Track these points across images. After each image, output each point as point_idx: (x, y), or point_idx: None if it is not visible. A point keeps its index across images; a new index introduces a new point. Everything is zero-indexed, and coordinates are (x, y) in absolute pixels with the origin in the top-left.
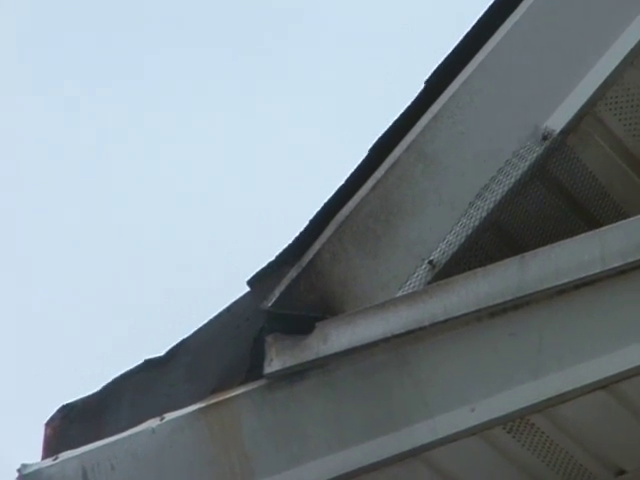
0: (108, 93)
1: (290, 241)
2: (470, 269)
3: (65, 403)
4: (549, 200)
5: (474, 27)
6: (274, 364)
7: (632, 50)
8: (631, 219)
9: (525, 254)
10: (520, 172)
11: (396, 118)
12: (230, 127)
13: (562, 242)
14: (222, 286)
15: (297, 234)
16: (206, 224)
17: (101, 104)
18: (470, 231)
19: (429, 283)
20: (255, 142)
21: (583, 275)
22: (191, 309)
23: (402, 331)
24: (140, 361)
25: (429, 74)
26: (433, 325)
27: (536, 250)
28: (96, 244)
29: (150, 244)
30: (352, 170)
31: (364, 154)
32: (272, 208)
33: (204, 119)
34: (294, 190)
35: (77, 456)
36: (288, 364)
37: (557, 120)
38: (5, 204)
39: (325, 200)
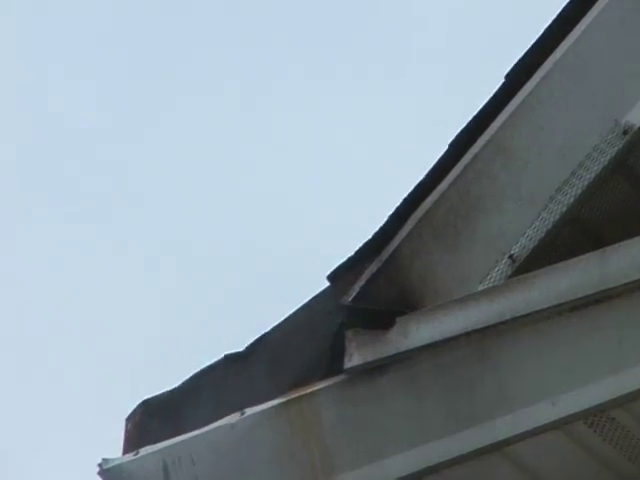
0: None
1: (370, 236)
2: (551, 264)
3: (145, 398)
4: (630, 194)
5: (554, 21)
6: (354, 359)
7: None
8: None
9: (606, 248)
10: (601, 166)
11: (476, 113)
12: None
13: None
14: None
15: (377, 229)
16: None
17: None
18: (550, 225)
19: (510, 277)
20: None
21: None
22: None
23: (483, 325)
24: (220, 356)
25: (509, 68)
26: (514, 319)
27: (617, 244)
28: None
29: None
30: (432, 165)
31: (444, 149)
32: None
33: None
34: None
35: (158, 451)
36: (368, 359)
37: (638, 114)
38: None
39: (405, 195)
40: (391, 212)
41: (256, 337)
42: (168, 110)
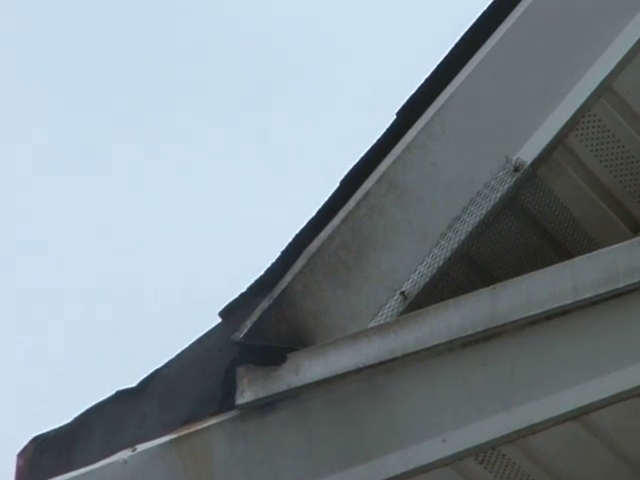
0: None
1: (262, 272)
2: (442, 300)
3: (37, 434)
4: (520, 231)
5: (445, 58)
6: (246, 395)
7: (602, 82)
8: (602, 250)
9: (496, 285)
10: (491, 203)
11: (367, 149)
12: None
13: (533, 273)
14: (194, 317)
15: (268, 265)
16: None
17: None
18: (442, 262)
19: (401, 314)
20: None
21: (555, 306)
22: (164, 340)
23: (374, 362)
24: (112, 392)
25: (400, 105)
26: (405, 356)
27: (507, 281)
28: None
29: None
30: (323, 201)
31: (335, 186)
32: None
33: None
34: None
35: None
36: (260, 395)
37: (528, 151)
38: None
39: (297, 232)
40: (283, 248)
41: (148, 373)
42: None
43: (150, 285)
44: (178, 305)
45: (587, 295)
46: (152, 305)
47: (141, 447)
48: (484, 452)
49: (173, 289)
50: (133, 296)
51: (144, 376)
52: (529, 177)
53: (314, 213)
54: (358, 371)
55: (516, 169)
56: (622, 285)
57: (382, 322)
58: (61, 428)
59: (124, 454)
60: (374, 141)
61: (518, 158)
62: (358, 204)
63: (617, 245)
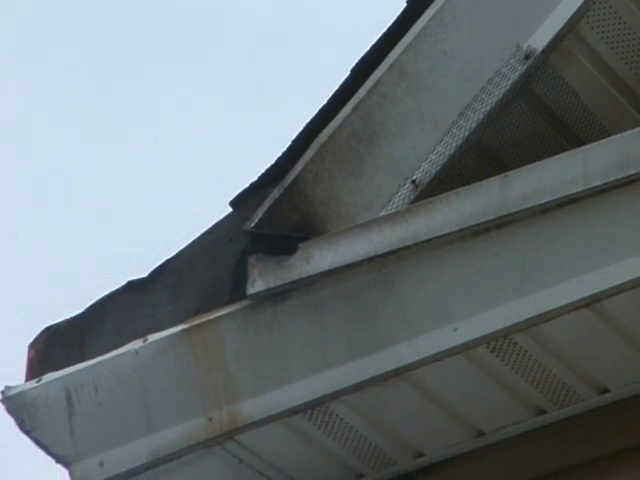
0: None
1: (272, 162)
2: (453, 189)
3: (48, 325)
4: (532, 119)
5: None
6: (257, 285)
7: None
8: (613, 137)
9: (508, 173)
10: (503, 91)
11: (378, 38)
12: None
13: (545, 161)
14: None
15: (279, 155)
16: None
17: None
18: (453, 150)
19: (412, 203)
20: None
21: (566, 193)
22: (177, 232)
23: (385, 251)
24: (123, 282)
25: None
26: (417, 244)
27: (519, 169)
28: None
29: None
30: (334, 90)
31: (346, 74)
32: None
33: None
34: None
35: (61, 378)
36: (271, 285)
37: (539, 39)
38: None
39: (307, 121)
40: (293, 137)
41: (159, 263)
42: None
43: (164, 174)
44: (189, 195)
45: (598, 182)
46: (165, 195)
47: (152, 337)
48: (496, 340)
49: (186, 179)
50: (142, 187)
51: (155, 266)
52: (540, 64)
53: (325, 102)
54: (369, 260)
55: (527, 56)
56: (633, 172)
57: (393, 211)
58: (72, 319)
59: (135, 344)
60: (384, 29)
61: (529, 45)
62: (369, 92)
63: (628, 132)
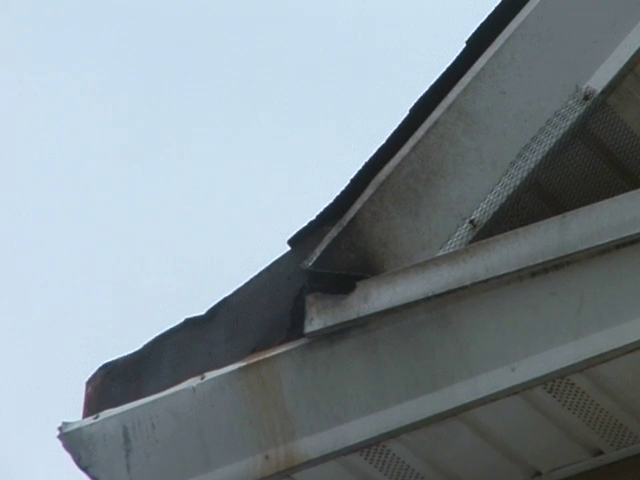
0: None
1: (331, 200)
2: (511, 229)
3: (106, 362)
4: (591, 160)
5: None
6: (315, 323)
7: None
8: None
9: (566, 214)
10: (561, 132)
11: (437, 78)
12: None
13: (603, 202)
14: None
15: (338, 193)
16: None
17: None
18: (511, 190)
19: (470, 242)
20: None
21: (624, 235)
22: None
23: (443, 290)
24: (181, 320)
25: (471, 34)
26: (474, 284)
27: (577, 210)
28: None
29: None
30: (393, 130)
31: (405, 114)
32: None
33: None
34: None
35: (118, 415)
36: (329, 323)
37: (598, 80)
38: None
39: (366, 160)
40: (352, 176)
41: (217, 301)
42: None
43: (223, 213)
44: (249, 233)
45: None
46: (224, 234)
47: (210, 375)
48: (553, 381)
49: (245, 217)
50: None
51: (213, 304)
52: (599, 105)
53: (384, 141)
54: (427, 300)
55: (586, 97)
56: None
57: (451, 250)
58: (130, 356)
59: (193, 382)
60: (444, 69)
61: (588, 86)
62: (427, 132)
63: None
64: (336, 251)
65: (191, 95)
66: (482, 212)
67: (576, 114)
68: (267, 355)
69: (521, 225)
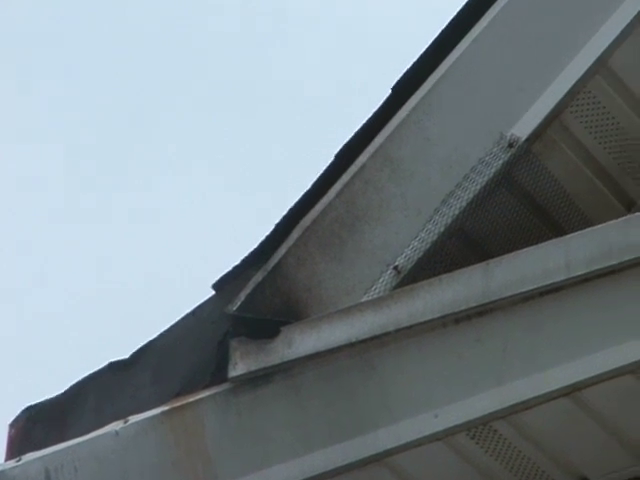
0: None
1: (256, 245)
2: (435, 275)
3: (30, 404)
4: (514, 207)
5: (441, 34)
6: (239, 368)
7: (598, 59)
8: (596, 227)
9: (490, 261)
10: (485, 179)
11: (362, 124)
12: None
13: (527, 249)
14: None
15: (263, 238)
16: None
17: None
18: (435, 237)
19: (394, 288)
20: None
21: (548, 282)
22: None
23: (367, 336)
24: (105, 363)
25: (395, 81)
26: (398, 330)
27: (501, 257)
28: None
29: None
30: (318, 175)
31: (330, 160)
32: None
33: None
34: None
35: (40, 457)
36: (253, 368)
37: (523, 127)
38: None
39: (291, 205)
40: (277, 221)
41: (141, 345)
42: None
43: (144, 259)
44: (172, 278)
45: (580, 272)
46: (146, 278)
47: (133, 419)
48: (476, 427)
49: (167, 263)
50: (127, 269)
51: (137, 348)
52: (523, 153)
53: (309, 186)
54: (350, 345)
55: (510, 145)
56: (615, 262)
57: (375, 296)
58: (54, 398)
59: (116, 425)
60: (369, 115)
61: (512, 134)
62: (353, 178)
63: (610, 222)
64: (260, 296)
65: None
66: (406, 258)
67: (500, 161)
68: (191, 399)
69: (445, 271)
